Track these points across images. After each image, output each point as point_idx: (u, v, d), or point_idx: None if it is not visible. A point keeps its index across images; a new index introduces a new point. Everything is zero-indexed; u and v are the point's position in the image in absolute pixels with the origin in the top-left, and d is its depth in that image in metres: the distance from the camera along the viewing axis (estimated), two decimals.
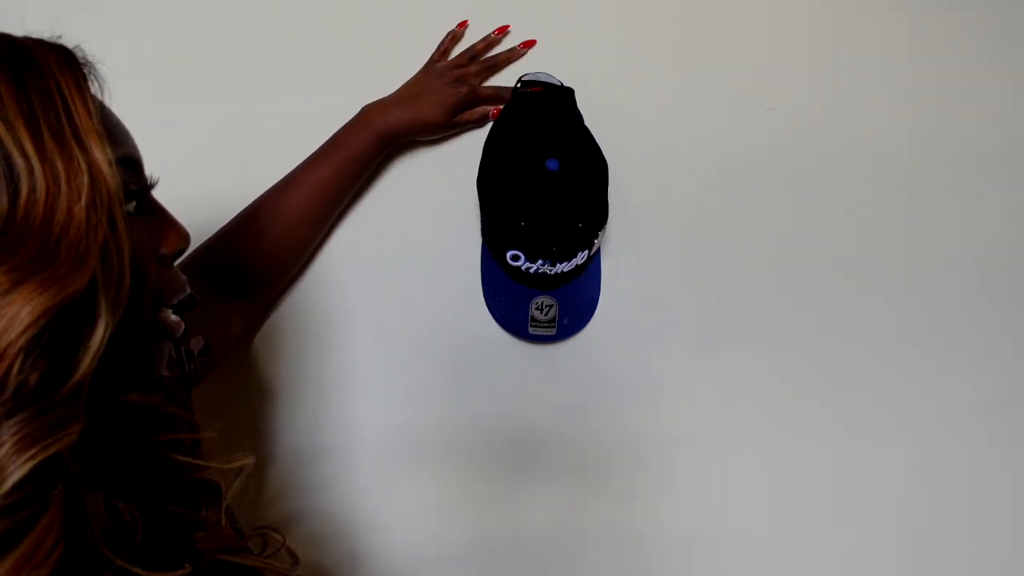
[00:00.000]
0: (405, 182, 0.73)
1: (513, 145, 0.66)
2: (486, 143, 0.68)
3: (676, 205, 0.73)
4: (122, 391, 0.40)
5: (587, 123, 0.69)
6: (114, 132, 0.37)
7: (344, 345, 0.72)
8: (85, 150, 0.32)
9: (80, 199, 0.31)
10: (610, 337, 0.72)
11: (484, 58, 0.73)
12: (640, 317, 0.72)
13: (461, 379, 0.71)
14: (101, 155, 0.32)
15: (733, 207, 0.73)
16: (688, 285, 0.72)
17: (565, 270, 0.66)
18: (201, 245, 0.63)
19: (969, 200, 0.74)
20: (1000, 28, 0.75)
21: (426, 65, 0.72)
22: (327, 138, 0.67)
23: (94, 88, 0.36)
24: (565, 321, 0.68)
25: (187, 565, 0.38)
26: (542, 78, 0.70)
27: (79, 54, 0.35)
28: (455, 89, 0.69)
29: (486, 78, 0.73)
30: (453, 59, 0.72)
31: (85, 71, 0.35)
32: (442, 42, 0.72)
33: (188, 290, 0.42)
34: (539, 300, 0.67)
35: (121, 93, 0.41)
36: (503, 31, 0.73)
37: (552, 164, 0.64)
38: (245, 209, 0.64)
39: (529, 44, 0.73)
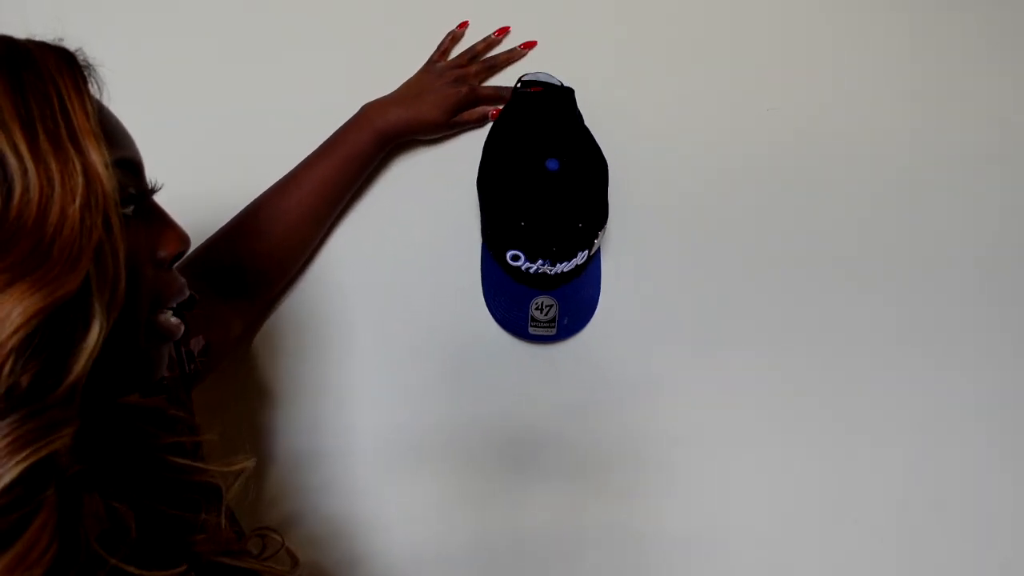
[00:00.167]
0: (405, 182, 0.73)
1: (513, 145, 0.66)
2: (486, 143, 0.68)
3: (676, 205, 0.73)
4: (120, 393, 0.40)
5: (587, 123, 0.69)
6: (113, 135, 0.37)
7: (344, 345, 0.72)
8: (81, 152, 0.32)
9: (75, 200, 0.31)
10: (610, 337, 0.72)
11: (484, 58, 0.73)
12: (640, 317, 0.72)
13: (461, 379, 0.71)
14: (97, 157, 0.32)
15: (733, 207, 0.73)
16: (688, 285, 0.72)
17: (565, 270, 0.66)
18: (201, 245, 0.63)
19: (969, 200, 0.74)
20: (1000, 28, 0.75)
21: (426, 65, 0.72)
22: (327, 138, 0.67)
23: (94, 91, 0.36)
24: (565, 321, 0.68)
25: (184, 565, 0.38)
26: (542, 78, 0.70)
27: (80, 57, 0.35)
28: (455, 89, 0.69)
29: (486, 78, 0.73)
30: (453, 59, 0.72)
31: (86, 74, 0.35)
32: (442, 42, 0.72)
33: (187, 293, 0.42)
34: (539, 300, 0.67)
35: (121, 93, 0.41)
36: (503, 32, 0.73)
37: (552, 164, 0.64)
38: (245, 209, 0.64)
39: (529, 45, 0.73)
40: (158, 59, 0.73)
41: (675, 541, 0.71)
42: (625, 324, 0.72)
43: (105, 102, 0.38)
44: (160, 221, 0.40)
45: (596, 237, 0.66)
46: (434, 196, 0.73)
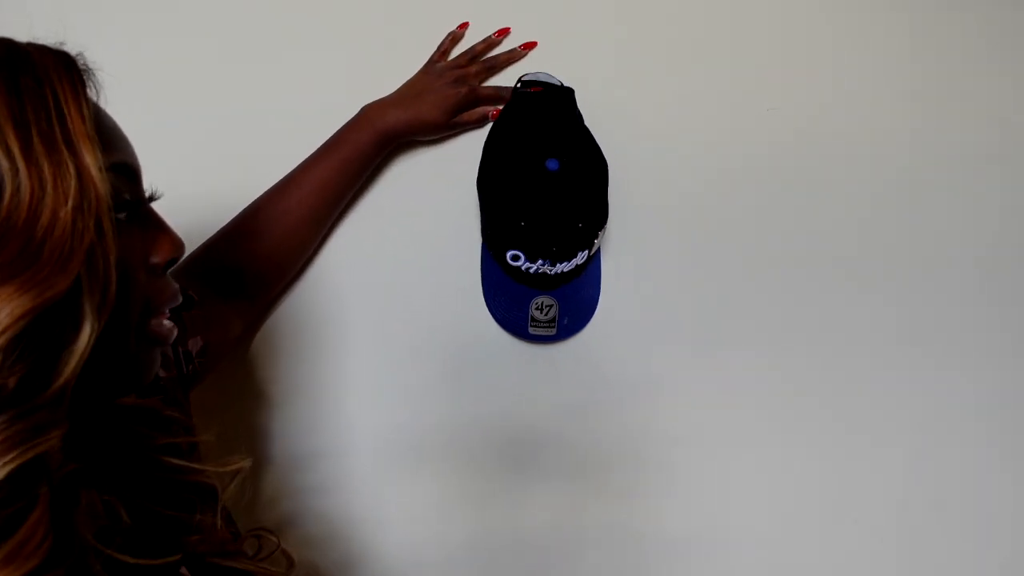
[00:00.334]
0: (405, 182, 0.73)
1: (513, 145, 0.66)
2: (486, 143, 0.68)
3: (676, 205, 0.73)
4: (112, 396, 0.40)
5: (587, 123, 0.69)
6: (110, 139, 0.36)
7: (344, 345, 0.72)
8: (75, 155, 0.32)
9: (67, 202, 0.31)
10: (610, 337, 0.72)
11: (484, 59, 0.73)
12: (640, 317, 0.72)
13: (461, 379, 0.71)
14: (92, 160, 0.32)
15: (733, 207, 0.73)
16: (688, 285, 0.72)
17: (565, 270, 0.66)
18: (201, 245, 0.63)
19: (969, 200, 0.74)
20: (1000, 28, 0.75)
21: (426, 65, 0.72)
22: (327, 138, 0.67)
23: (93, 95, 0.36)
24: (565, 321, 0.68)
25: (179, 554, 0.38)
26: (542, 78, 0.70)
27: (80, 61, 0.35)
28: (455, 89, 0.69)
29: (486, 78, 0.73)
30: (453, 59, 0.72)
31: (85, 78, 0.35)
32: (442, 43, 0.72)
33: (180, 299, 0.42)
34: (539, 300, 0.67)
35: (121, 94, 0.41)
36: (503, 33, 0.73)
37: (552, 164, 0.64)
38: (245, 209, 0.64)
39: (529, 46, 0.73)
40: (158, 59, 0.73)
41: (675, 541, 0.71)
42: (625, 324, 0.72)
43: (105, 103, 0.38)
44: (155, 226, 0.40)
45: (596, 237, 0.66)
46: (434, 196, 0.73)
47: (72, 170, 0.31)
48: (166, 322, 0.40)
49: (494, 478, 0.71)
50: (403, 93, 0.70)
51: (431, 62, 0.72)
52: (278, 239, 0.64)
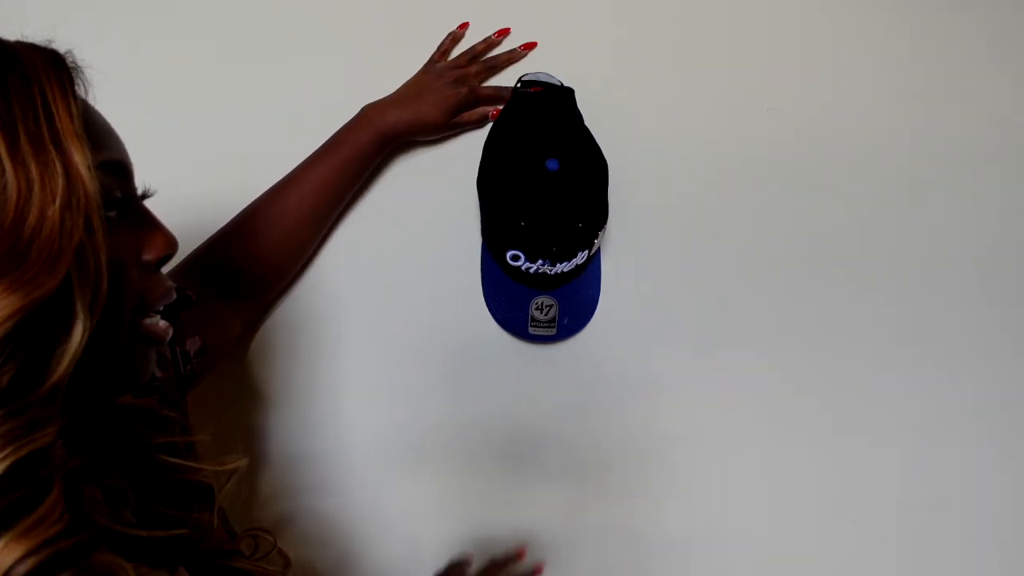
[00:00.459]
0: (405, 182, 0.73)
1: (513, 145, 0.66)
2: (486, 143, 0.68)
3: (676, 205, 0.73)
4: (107, 395, 0.40)
5: (587, 123, 0.69)
6: (99, 137, 0.36)
7: (344, 345, 0.72)
8: (63, 153, 0.32)
9: (54, 201, 0.31)
10: (610, 337, 0.72)
11: (484, 59, 0.73)
12: (640, 317, 0.72)
13: (461, 379, 0.71)
14: (80, 158, 0.32)
15: (733, 207, 0.73)
16: (688, 285, 0.72)
17: (565, 270, 0.66)
18: (201, 245, 0.63)
19: (969, 200, 0.74)
20: (1000, 28, 0.75)
21: (426, 65, 0.72)
22: (327, 138, 0.67)
23: (82, 92, 0.35)
24: (565, 321, 0.68)
25: (186, 528, 0.39)
26: (542, 78, 0.70)
27: (69, 59, 0.35)
28: (455, 89, 0.69)
29: (486, 78, 0.73)
30: (453, 59, 0.72)
31: (73, 75, 0.35)
32: (442, 43, 0.72)
33: (174, 296, 0.42)
34: (539, 300, 0.67)
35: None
36: (504, 33, 0.73)
37: (552, 164, 0.64)
38: (245, 210, 0.64)
39: (530, 46, 0.73)
40: (158, 59, 0.73)
41: (675, 541, 0.71)
42: (625, 324, 0.72)
43: (104, 102, 0.38)
44: (147, 223, 0.40)
45: (596, 237, 0.66)
46: (434, 196, 0.73)
47: (60, 169, 0.31)
48: (161, 322, 0.40)
49: (494, 478, 0.71)
50: (403, 93, 0.70)
51: (431, 62, 0.72)
52: (277, 239, 0.64)
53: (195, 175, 0.69)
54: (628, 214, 0.72)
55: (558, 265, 0.65)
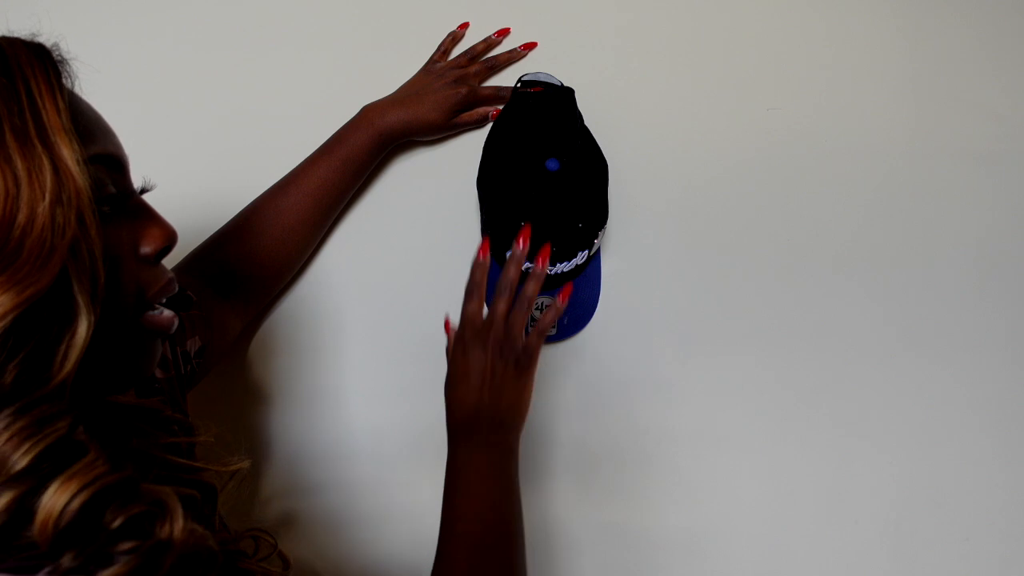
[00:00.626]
0: (405, 182, 0.73)
1: (513, 145, 0.66)
2: (486, 143, 0.68)
3: (676, 205, 0.73)
4: (114, 389, 0.40)
5: (587, 123, 0.69)
6: (90, 130, 0.36)
7: (343, 345, 0.72)
8: (50, 148, 0.31)
9: (44, 198, 0.31)
10: (610, 337, 0.72)
11: (484, 59, 0.73)
12: (640, 317, 0.72)
13: None
14: (69, 153, 0.32)
15: (733, 207, 0.73)
16: (688, 285, 0.72)
17: (565, 270, 0.66)
18: (200, 245, 0.63)
19: (969, 200, 0.74)
20: (1000, 28, 0.75)
21: (426, 65, 0.72)
22: (327, 138, 0.67)
23: (69, 85, 0.35)
24: (565, 321, 0.68)
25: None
26: (542, 78, 0.70)
27: (55, 52, 0.35)
28: (455, 89, 0.69)
29: (486, 78, 0.73)
30: (453, 59, 0.72)
31: (60, 69, 0.34)
32: (442, 42, 0.72)
33: (176, 287, 0.41)
34: (539, 300, 0.67)
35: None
36: (504, 33, 0.73)
37: (552, 164, 0.64)
38: (244, 210, 0.64)
39: (530, 46, 0.73)
40: (158, 59, 0.73)
41: (675, 541, 0.71)
42: (625, 324, 0.72)
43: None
44: (144, 215, 0.39)
45: (596, 237, 0.66)
46: (434, 196, 0.73)
47: (48, 164, 0.31)
48: (166, 312, 0.40)
49: None
50: (403, 93, 0.70)
51: (431, 62, 0.72)
52: (277, 239, 0.64)
53: (195, 174, 0.69)
54: (628, 214, 0.72)
55: (558, 265, 0.65)
